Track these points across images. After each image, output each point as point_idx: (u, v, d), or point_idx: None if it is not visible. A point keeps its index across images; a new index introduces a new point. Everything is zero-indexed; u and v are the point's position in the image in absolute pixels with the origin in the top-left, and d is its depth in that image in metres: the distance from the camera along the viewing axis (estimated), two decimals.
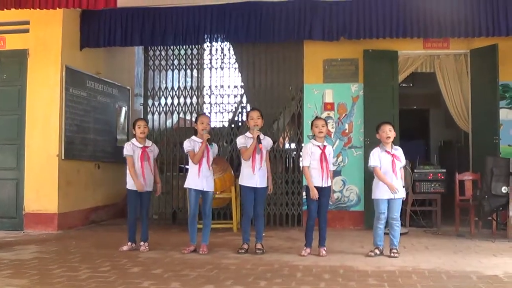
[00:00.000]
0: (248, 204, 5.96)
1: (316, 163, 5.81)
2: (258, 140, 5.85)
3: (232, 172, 7.86)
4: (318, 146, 5.84)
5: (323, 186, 5.84)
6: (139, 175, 6.14)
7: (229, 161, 8.35)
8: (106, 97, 9.25)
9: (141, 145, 6.19)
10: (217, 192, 7.33)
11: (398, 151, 5.92)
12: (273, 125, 8.65)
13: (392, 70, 8.38)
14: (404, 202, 6.40)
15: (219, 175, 7.43)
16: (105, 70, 9.22)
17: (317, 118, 6.21)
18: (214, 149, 6.13)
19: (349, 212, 8.31)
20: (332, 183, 5.96)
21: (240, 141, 6.03)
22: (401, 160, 5.91)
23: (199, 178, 5.97)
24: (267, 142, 6.08)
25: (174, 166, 8.79)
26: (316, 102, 8.49)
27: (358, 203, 8.37)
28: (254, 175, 5.91)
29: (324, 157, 5.81)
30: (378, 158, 5.81)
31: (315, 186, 5.80)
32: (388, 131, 5.80)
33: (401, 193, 5.85)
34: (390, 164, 5.81)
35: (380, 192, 5.82)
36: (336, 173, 8.04)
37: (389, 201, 5.80)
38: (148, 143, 6.29)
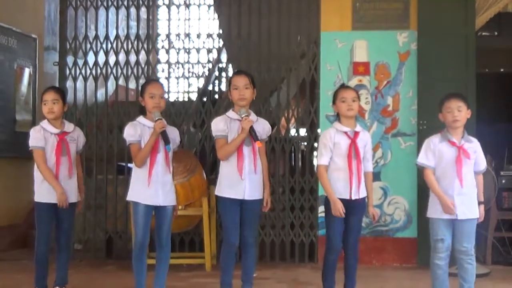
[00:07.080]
0: (231, 227, 5.35)
1: (341, 160, 5.22)
2: (252, 134, 5.13)
3: (204, 174, 6.94)
4: (346, 133, 5.29)
5: (354, 198, 5.28)
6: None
7: (199, 156, 7.33)
8: None
9: (56, 130, 5.50)
10: (180, 207, 6.36)
11: (472, 144, 5.25)
12: (271, 99, 7.66)
13: (466, 9, 7.19)
14: (483, 225, 6.07)
15: (182, 180, 6.59)
16: None
17: (343, 87, 5.61)
18: (175, 138, 5.28)
19: (393, 240, 7.08)
20: (370, 193, 5.36)
21: (218, 126, 5.30)
22: (477, 160, 5.20)
23: (150, 186, 5.24)
24: (261, 127, 5.40)
25: (109, 164, 7.50)
26: (340, 62, 7.26)
27: (408, 225, 7.11)
28: (242, 180, 5.24)
29: (356, 151, 5.26)
30: (433, 152, 5.18)
31: (340, 198, 5.23)
32: (456, 110, 5.16)
33: (474, 211, 5.21)
34: (453, 164, 5.04)
35: (437, 208, 5.20)
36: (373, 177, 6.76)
37: (453, 222, 5.15)
38: (69, 127, 5.56)
